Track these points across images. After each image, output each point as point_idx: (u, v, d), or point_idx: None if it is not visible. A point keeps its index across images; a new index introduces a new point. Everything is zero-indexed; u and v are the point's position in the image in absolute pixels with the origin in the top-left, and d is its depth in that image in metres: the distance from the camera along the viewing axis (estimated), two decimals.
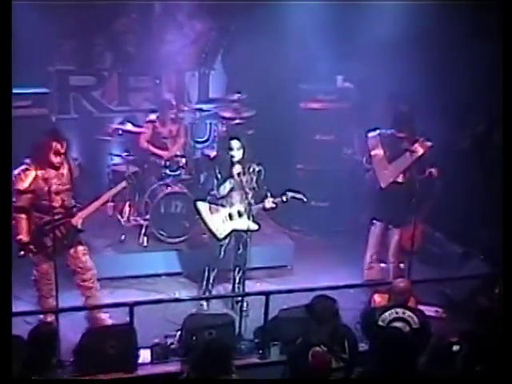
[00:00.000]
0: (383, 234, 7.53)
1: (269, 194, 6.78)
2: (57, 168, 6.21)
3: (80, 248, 6.41)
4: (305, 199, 6.83)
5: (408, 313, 5.59)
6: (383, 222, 7.45)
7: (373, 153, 7.39)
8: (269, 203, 6.76)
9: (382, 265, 7.66)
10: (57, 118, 8.34)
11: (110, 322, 6.48)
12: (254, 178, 6.77)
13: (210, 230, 6.81)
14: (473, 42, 7.61)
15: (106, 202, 6.64)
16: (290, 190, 6.79)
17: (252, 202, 6.72)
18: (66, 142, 6.22)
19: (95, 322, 6.50)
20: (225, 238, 6.83)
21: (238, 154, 6.72)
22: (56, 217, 6.14)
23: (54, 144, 6.14)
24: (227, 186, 6.76)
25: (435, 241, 8.24)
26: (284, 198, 6.77)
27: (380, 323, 5.47)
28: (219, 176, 6.76)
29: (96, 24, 8.51)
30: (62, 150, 6.17)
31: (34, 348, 4.72)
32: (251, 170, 6.77)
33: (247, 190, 6.69)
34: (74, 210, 6.35)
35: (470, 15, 7.72)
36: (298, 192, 6.80)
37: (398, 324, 5.45)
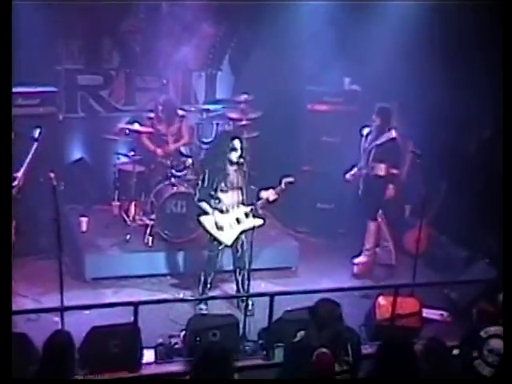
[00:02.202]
0: (378, 229, 7.78)
1: (257, 188, 6.90)
2: None
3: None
4: (292, 180, 6.95)
5: None
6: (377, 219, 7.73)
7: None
8: (272, 195, 6.87)
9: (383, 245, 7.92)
10: (64, 116, 8.36)
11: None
12: (245, 175, 6.81)
13: (219, 241, 6.86)
14: (480, 49, 7.63)
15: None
16: (283, 177, 6.92)
17: (247, 199, 6.81)
18: None
19: None
20: (234, 242, 6.88)
21: (239, 154, 6.76)
22: None
23: None
24: (223, 188, 6.82)
25: (440, 244, 8.24)
26: (283, 185, 6.88)
27: (482, 334, 5.45)
28: (208, 179, 6.78)
29: (104, 24, 8.54)
30: None
31: (51, 360, 4.51)
32: (242, 167, 6.82)
33: (242, 188, 6.79)
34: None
35: (476, 26, 7.73)
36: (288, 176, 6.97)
37: (496, 341, 5.42)
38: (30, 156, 6.59)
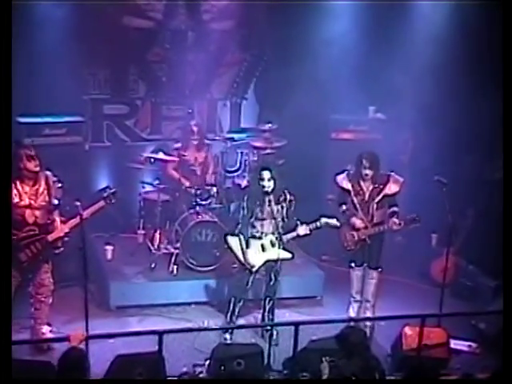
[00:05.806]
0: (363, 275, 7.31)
1: (299, 223, 6.79)
2: (33, 183, 6.24)
3: (45, 265, 6.46)
4: (338, 224, 6.82)
5: None
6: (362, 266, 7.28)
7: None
8: (303, 230, 6.78)
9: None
10: (90, 145, 8.44)
11: (50, 335, 6.54)
12: (285, 208, 6.78)
13: (243, 264, 6.82)
14: None
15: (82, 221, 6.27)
16: (323, 216, 6.79)
17: (281, 231, 6.73)
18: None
19: (36, 333, 6.56)
20: (258, 269, 6.83)
21: (269, 185, 6.74)
22: (31, 233, 6.25)
23: (24, 151, 6.20)
24: (258, 216, 6.79)
25: (468, 274, 8.13)
26: (318, 224, 6.77)
27: None
28: (246, 208, 6.78)
29: (130, 54, 8.64)
30: (33, 153, 6.19)
31: (65, 374, 4.66)
32: (282, 199, 6.78)
33: (278, 219, 6.72)
34: (51, 227, 6.36)
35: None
36: (331, 217, 6.80)
37: None
38: (90, 210, 6.35)
